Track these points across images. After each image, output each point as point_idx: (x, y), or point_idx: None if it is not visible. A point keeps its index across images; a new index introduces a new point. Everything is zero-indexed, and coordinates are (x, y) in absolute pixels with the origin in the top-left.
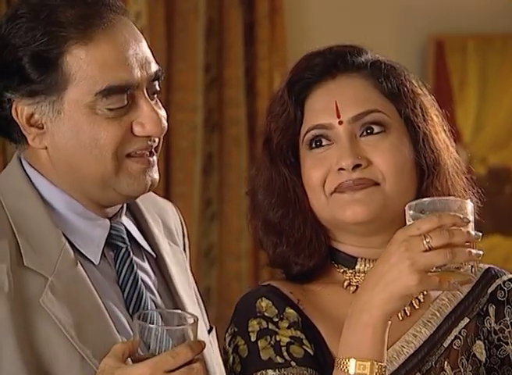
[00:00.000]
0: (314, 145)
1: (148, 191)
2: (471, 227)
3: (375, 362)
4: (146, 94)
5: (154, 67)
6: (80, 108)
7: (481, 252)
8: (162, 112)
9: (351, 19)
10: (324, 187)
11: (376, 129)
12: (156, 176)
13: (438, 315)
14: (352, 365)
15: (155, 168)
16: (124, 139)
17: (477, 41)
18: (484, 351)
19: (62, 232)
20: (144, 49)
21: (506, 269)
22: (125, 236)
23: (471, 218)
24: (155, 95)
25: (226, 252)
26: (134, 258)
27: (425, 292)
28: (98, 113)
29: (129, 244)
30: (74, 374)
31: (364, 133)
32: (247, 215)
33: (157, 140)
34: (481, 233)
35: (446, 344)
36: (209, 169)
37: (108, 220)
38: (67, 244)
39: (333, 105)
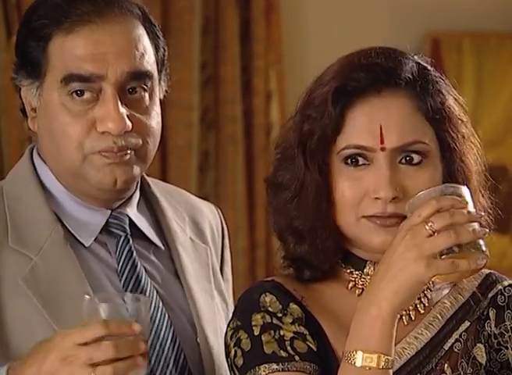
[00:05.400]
0: (350, 162)
1: (120, 188)
2: (470, 208)
3: (383, 355)
4: (113, 91)
5: (130, 66)
6: (52, 96)
7: (486, 230)
8: (148, 115)
9: (347, 17)
10: (356, 209)
11: (416, 159)
12: (124, 176)
13: (439, 317)
14: (359, 357)
15: (125, 167)
16: (90, 135)
17: (473, 39)
18: (484, 355)
19: (57, 216)
20: (124, 49)
21: (502, 267)
22: (126, 226)
23: (470, 202)
24: (141, 93)
25: None
26: (138, 248)
27: (428, 296)
28: (65, 105)
29: (129, 233)
30: None
31: (403, 161)
32: (266, 203)
33: (124, 140)
34: (483, 213)
35: (446, 347)
36: (205, 167)
37: (109, 211)
38: (59, 227)
39: (377, 128)
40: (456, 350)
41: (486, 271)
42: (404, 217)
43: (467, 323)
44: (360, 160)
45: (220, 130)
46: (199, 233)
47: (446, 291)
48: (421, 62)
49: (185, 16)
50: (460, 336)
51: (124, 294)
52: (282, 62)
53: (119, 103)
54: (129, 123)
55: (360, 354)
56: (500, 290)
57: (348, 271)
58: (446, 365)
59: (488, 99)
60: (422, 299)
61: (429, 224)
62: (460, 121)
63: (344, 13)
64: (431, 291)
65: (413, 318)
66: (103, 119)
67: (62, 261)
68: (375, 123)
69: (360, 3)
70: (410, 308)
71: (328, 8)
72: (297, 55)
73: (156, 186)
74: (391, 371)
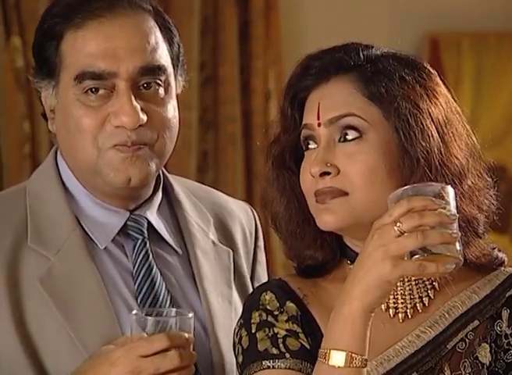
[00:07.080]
0: (305, 147)
1: (134, 185)
2: (448, 210)
3: (353, 354)
4: (126, 86)
5: (143, 61)
6: (68, 94)
7: (459, 233)
8: (163, 108)
9: (346, 17)
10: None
11: (351, 135)
12: (138, 175)
13: (447, 316)
14: (329, 356)
15: (141, 164)
16: (104, 129)
17: (472, 39)
18: (488, 354)
19: (76, 217)
20: (135, 43)
21: None
22: (144, 229)
23: (452, 202)
24: (156, 87)
25: None
26: (156, 251)
27: (431, 296)
28: (80, 100)
29: (146, 236)
30: (62, 353)
31: (342, 139)
32: (260, 203)
33: (139, 134)
34: (457, 214)
35: (449, 346)
36: (204, 167)
37: (128, 212)
38: (78, 229)
39: (317, 107)
40: (459, 350)
41: (511, 270)
42: (344, 193)
43: (476, 323)
44: (311, 143)
45: (219, 130)
46: (224, 235)
47: (460, 288)
48: (382, 53)
49: (184, 16)
50: (467, 336)
51: (169, 309)
52: (281, 62)
53: (133, 97)
54: (143, 116)
55: (330, 352)
56: None
57: (351, 267)
58: (446, 365)
59: (488, 99)
60: (424, 298)
61: (398, 225)
62: (417, 111)
63: (344, 13)
64: (436, 290)
65: (410, 316)
66: (117, 113)
67: (79, 263)
68: (316, 103)
69: (360, 3)
70: (408, 306)
71: (327, 8)
72: (296, 55)
73: (180, 186)
74: (364, 370)
